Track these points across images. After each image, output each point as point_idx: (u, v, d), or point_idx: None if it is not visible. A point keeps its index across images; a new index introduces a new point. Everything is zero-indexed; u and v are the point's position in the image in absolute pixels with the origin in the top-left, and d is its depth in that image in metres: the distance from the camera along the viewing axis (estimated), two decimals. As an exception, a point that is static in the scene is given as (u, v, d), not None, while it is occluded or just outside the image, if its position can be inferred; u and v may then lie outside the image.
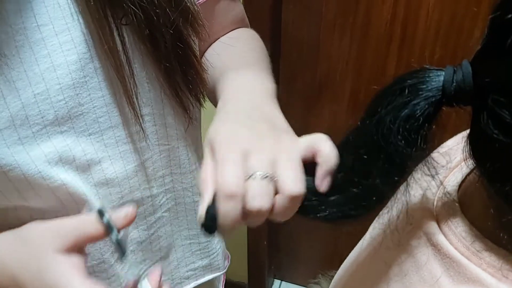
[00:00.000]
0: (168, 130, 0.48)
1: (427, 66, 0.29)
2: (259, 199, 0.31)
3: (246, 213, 0.31)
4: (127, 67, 0.41)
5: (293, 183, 0.31)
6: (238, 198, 0.31)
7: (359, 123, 0.32)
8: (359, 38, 0.96)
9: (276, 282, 1.48)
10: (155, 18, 0.40)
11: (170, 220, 0.54)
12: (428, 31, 0.90)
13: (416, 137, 0.29)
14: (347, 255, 0.49)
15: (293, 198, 0.31)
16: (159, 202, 0.52)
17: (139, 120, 0.44)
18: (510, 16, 0.25)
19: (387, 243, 0.39)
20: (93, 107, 0.42)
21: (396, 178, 0.31)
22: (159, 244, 0.54)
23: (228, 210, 0.31)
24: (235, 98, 0.39)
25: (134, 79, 0.42)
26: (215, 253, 0.60)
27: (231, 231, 0.33)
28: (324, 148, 0.32)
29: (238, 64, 0.46)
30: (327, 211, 0.33)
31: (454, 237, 0.32)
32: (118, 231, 0.37)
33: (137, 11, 0.39)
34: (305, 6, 0.97)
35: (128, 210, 0.38)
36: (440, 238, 0.33)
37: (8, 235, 0.39)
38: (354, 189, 0.32)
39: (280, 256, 1.42)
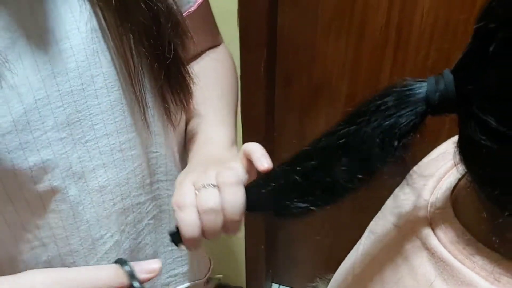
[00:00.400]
0: (156, 137, 0.50)
1: (409, 78, 0.30)
2: (206, 198, 0.38)
3: (202, 219, 0.39)
4: (133, 69, 0.43)
5: (227, 174, 0.39)
6: (189, 207, 0.39)
7: (336, 127, 0.34)
8: (354, 41, 0.97)
9: (274, 286, 1.49)
10: (153, 27, 0.42)
11: (155, 228, 0.55)
12: (423, 35, 0.91)
13: (397, 145, 0.30)
14: (345, 258, 0.49)
15: (230, 187, 0.38)
16: (146, 210, 0.53)
17: (147, 123, 0.46)
18: (493, 25, 0.26)
19: (382, 248, 0.40)
20: (89, 114, 0.43)
21: (362, 177, 0.33)
22: (145, 252, 0.55)
23: (183, 218, 0.39)
24: (198, 155, 0.50)
25: (143, 82, 0.44)
26: (196, 261, 0.62)
27: (194, 242, 0.39)
28: (246, 148, 0.41)
29: (203, 115, 0.55)
30: (294, 205, 0.36)
31: (448, 241, 0.33)
32: (140, 283, 0.34)
33: (140, 20, 0.41)
34: (301, 10, 0.98)
35: (155, 267, 0.35)
36: (434, 242, 0.34)
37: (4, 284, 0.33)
38: (319, 181, 0.34)
39: (278, 260, 1.43)
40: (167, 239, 0.57)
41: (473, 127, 0.28)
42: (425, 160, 0.43)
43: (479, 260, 0.31)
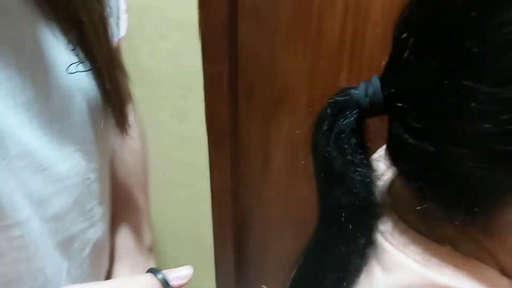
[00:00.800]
0: (95, 164, 0.53)
1: (346, 86, 0.34)
2: None
3: None
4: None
5: None
6: None
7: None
8: (311, 52, 1.02)
9: (245, 294, 1.51)
10: (97, 61, 0.48)
11: (96, 258, 0.57)
12: (375, 44, 0.97)
13: (347, 147, 0.34)
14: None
15: None
16: (88, 237, 0.55)
17: (90, 149, 0.52)
18: (404, 35, 0.30)
19: None
20: (43, 142, 0.46)
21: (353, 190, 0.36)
22: (87, 281, 0.57)
23: None
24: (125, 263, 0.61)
25: (86, 115, 0.50)
26: None
27: None
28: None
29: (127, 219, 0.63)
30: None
31: (386, 231, 0.37)
32: None
33: (87, 55, 0.46)
34: (259, 22, 1.02)
35: (187, 273, 0.36)
36: (375, 233, 0.38)
37: None
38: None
39: (248, 270, 1.45)
40: (103, 269, 0.59)
41: (398, 127, 0.32)
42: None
43: (411, 246, 0.35)
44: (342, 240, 0.37)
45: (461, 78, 0.27)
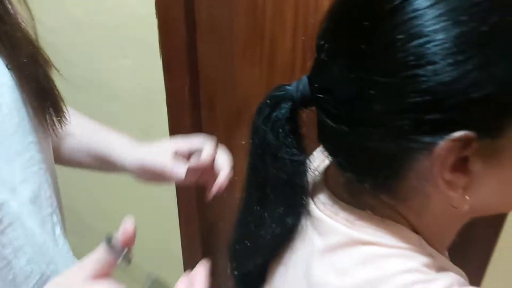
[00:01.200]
0: (43, 155, 0.60)
1: (283, 84, 0.43)
2: None
3: None
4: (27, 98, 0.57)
5: None
6: None
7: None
8: (267, 65, 1.11)
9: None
10: (27, 65, 0.56)
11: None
12: (324, 57, 1.07)
13: (281, 132, 0.42)
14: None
15: None
16: (56, 220, 0.62)
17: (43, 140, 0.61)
18: (321, 42, 0.38)
19: None
20: (10, 134, 0.53)
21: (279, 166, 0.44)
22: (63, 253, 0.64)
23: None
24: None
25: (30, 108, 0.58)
26: None
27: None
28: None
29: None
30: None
31: (320, 204, 0.45)
32: (126, 250, 0.41)
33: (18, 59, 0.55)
34: (217, 40, 1.10)
35: (125, 228, 0.42)
36: (312, 206, 0.45)
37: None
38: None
39: (218, 279, 1.49)
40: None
41: (322, 114, 0.40)
42: (316, 150, 0.55)
43: (340, 213, 0.43)
44: (263, 206, 0.46)
45: (361, 72, 0.36)
